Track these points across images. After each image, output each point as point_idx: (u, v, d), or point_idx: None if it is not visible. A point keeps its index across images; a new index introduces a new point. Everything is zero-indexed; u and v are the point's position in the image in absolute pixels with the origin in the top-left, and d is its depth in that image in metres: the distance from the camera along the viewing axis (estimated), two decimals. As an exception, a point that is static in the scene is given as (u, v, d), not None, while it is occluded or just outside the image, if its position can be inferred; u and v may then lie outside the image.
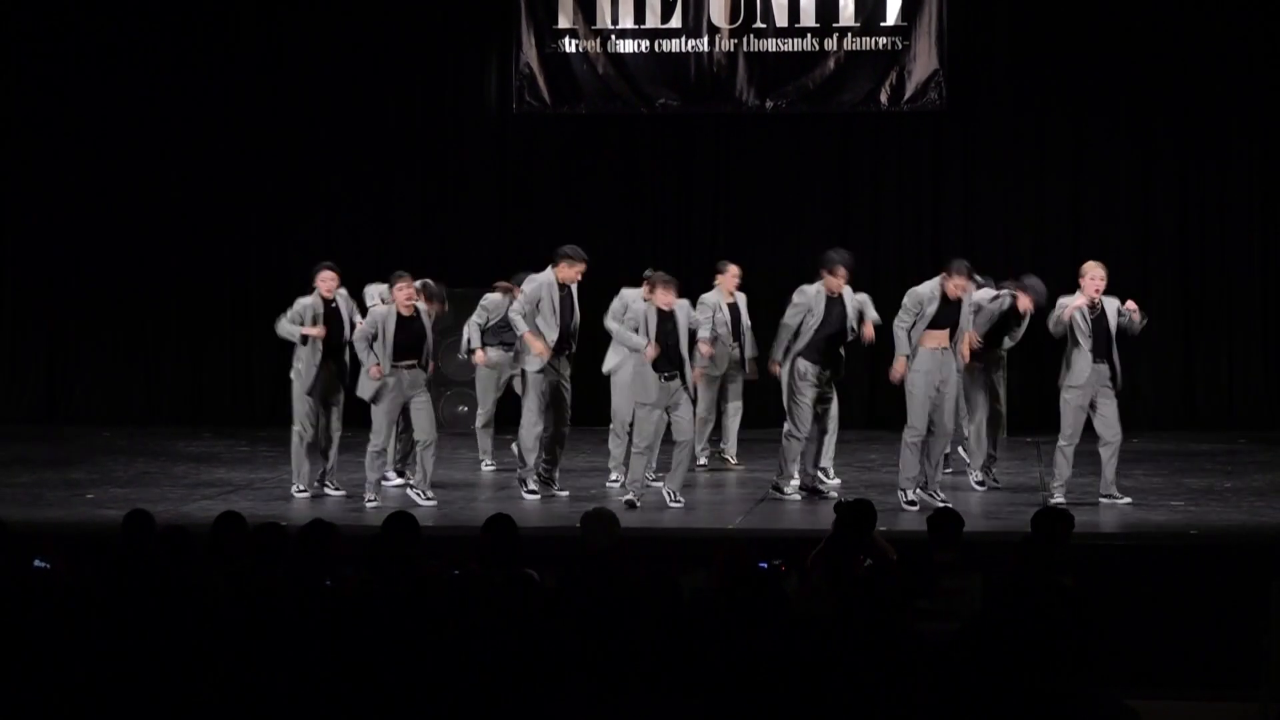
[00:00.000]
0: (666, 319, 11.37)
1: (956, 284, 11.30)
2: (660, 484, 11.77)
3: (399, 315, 11.55)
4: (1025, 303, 12.13)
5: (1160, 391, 16.09)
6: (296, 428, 12.00)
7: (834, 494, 11.79)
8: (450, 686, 5.48)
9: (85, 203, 16.92)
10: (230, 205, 16.84)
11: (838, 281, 11.64)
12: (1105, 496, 11.40)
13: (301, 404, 11.95)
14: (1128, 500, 11.39)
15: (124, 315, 17.00)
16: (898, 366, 11.38)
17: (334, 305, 11.98)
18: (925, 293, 11.34)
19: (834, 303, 11.65)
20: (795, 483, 11.76)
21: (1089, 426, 11.42)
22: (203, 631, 6.01)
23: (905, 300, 11.40)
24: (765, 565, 7.17)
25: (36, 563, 7.10)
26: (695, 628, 5.76)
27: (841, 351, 11.83)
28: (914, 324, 11.29)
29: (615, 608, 5.77)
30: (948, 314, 11.33)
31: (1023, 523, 8.77)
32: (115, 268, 16.91)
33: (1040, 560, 7.74)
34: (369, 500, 11.55)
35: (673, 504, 11.41)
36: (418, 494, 11.62)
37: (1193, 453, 14.16)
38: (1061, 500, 11.03)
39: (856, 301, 11.80)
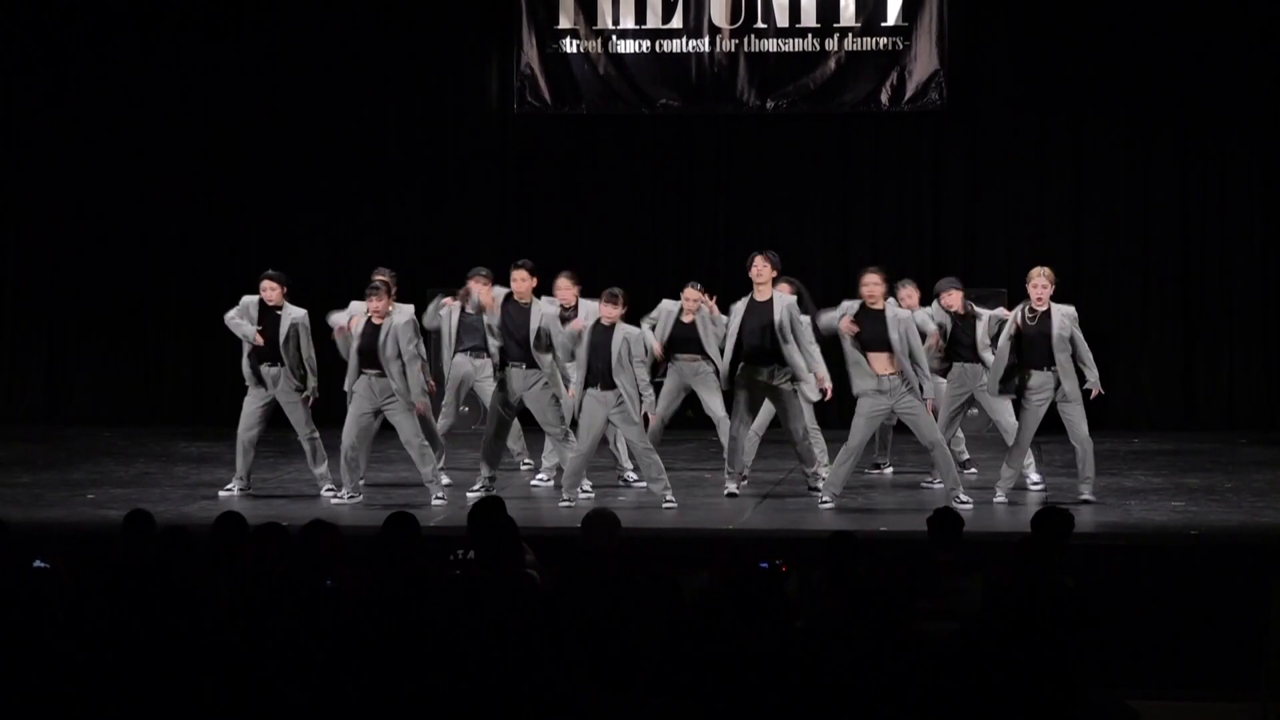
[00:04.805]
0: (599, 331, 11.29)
1: (866, 281, 11.10)
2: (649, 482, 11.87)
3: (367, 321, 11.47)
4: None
5: (1160, 391, 16.09)
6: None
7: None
8: (450, 686, 5.48)
9: (85, 203, 16.91)
10: (230, 205, 16.84)
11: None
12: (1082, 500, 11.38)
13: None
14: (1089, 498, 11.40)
15: (124, 315, 16.99)
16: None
17: (278, 312, 11.91)
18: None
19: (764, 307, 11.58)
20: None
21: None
22: (203, 632, 6.01)
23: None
24: (765, 565, 7.15)
25: (36, 563, 7.09)
26: (695, 628, 5.76)
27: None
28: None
29: (615, 608, 5.77)
30: (875, 330, 11.04)
31: (1023, 523, 8.77)
32: (115, 268, 16.90)
33: (1040, 560, 7.74)
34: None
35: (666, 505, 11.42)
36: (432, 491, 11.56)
37: (1193, 452, 14.15)
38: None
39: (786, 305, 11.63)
